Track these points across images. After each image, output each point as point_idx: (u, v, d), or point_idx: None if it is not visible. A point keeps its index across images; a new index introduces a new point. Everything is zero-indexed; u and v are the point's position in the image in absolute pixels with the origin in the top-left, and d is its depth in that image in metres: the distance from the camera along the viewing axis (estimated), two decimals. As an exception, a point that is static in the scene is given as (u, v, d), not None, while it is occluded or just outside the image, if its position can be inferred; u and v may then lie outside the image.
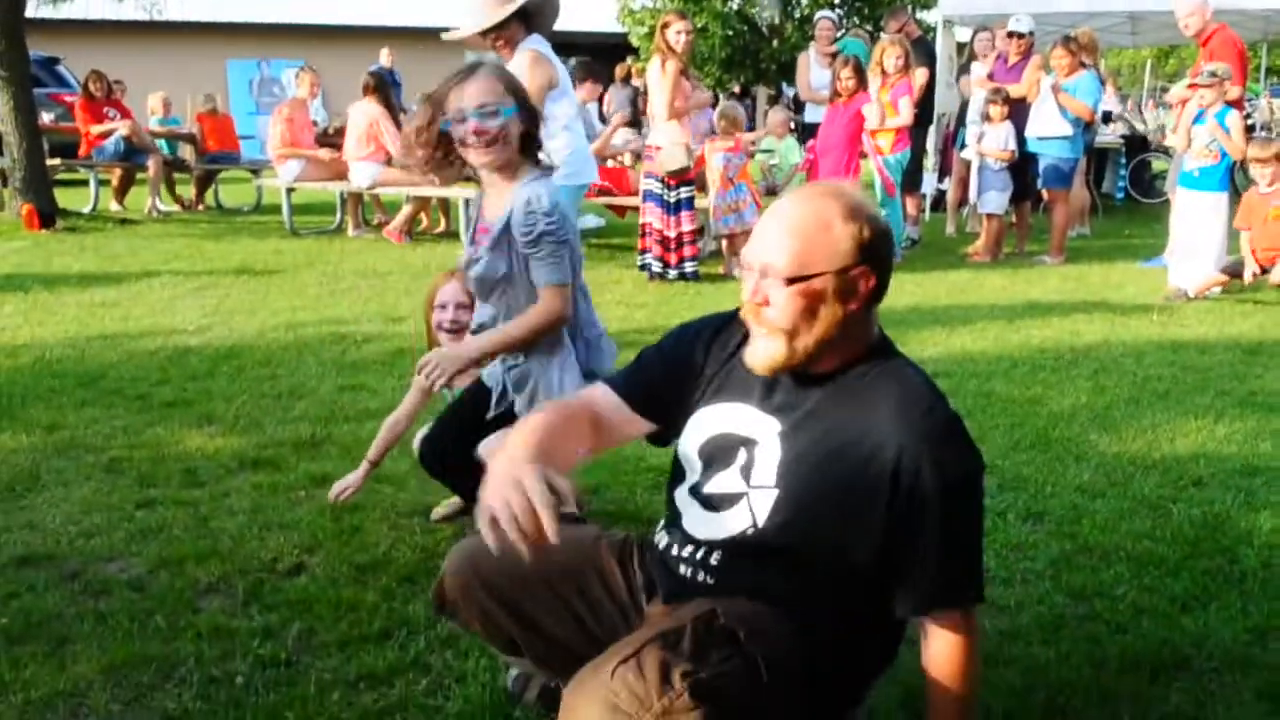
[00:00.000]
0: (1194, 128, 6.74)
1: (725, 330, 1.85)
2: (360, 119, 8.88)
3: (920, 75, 8.45)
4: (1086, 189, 9.70)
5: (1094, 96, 8.10)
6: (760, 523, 1.69)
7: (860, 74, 7.58)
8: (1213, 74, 6.70)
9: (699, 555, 1.75)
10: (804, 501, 1.66)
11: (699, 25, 15.96)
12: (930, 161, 10.20)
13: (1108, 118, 11.60)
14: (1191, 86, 6.97)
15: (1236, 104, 7.04)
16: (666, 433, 1.89)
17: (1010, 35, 8.51)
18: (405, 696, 2.22)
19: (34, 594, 2.67)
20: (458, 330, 2.98)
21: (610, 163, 8.74)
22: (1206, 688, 2.26)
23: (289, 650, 2.40)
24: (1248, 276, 6.25)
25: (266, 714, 2.16)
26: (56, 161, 10.41)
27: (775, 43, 17.95)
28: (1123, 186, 11.98)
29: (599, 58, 10.28)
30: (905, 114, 7.74)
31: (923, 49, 9.18)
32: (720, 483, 1.75)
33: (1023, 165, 8.16)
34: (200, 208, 11.53)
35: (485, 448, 2.80)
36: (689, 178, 7.04)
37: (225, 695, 2.23)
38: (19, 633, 2.48)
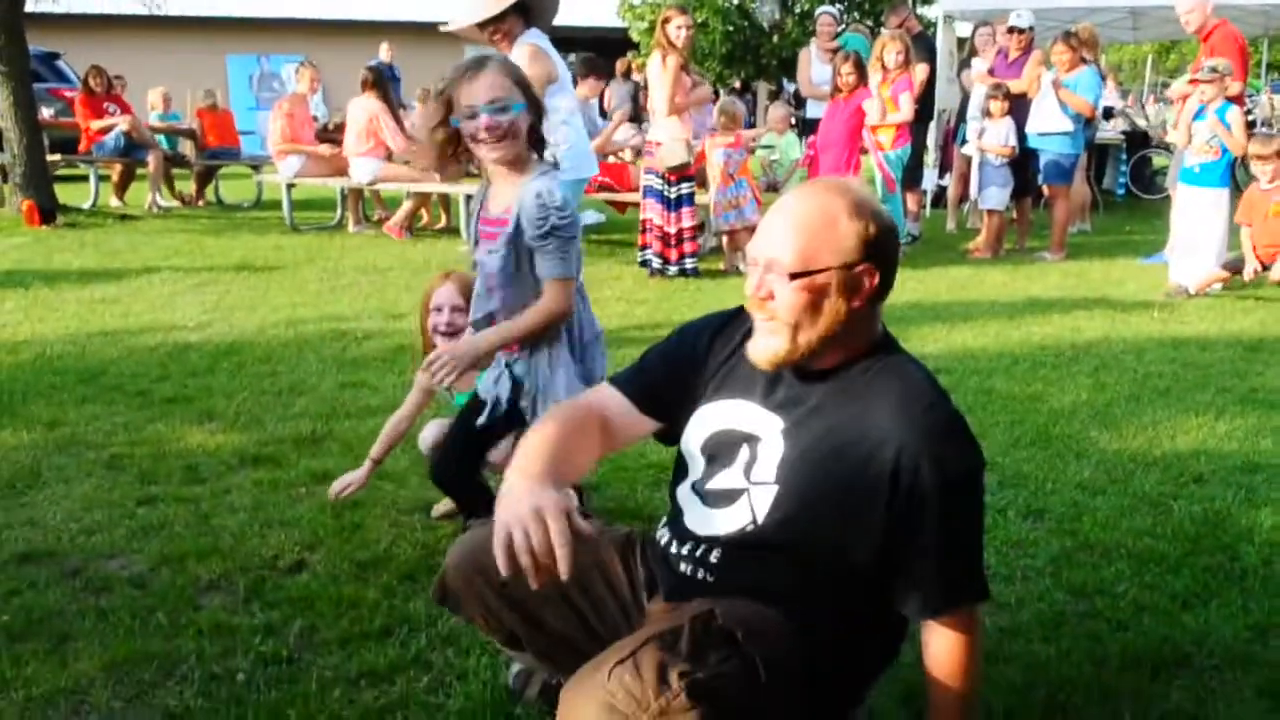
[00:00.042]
0: (1194, 123, 6.74)
1: (729, 327, 1.85)
2: (359, 114, 8.88)
3: (921, 71, 8.45)
4: (1087, 185, 9.69)
5: (1095, 92, 8.09)
6: (760, 520, 1.69)
7: (861, 69, 7.57)
8: (1213, 69, 6.69)
9: (699, 553, 1.75)
10: (804, 499, 1.66)
11: (699, 20, 15.96)
12: (931, 157, 10.19)
13: (1109, 113, 11.59)
14: (1192, 82, 6.97)
15: (1237, 99, 7.03)
16: (673, 431, 1.89)
17: (1011, 30, 8.49)
18: (406, 694, 2.22)
19: (35, 591, 2.67)
20: (454, 333, 2.99)
21: (611, 158, 8.73)
22: (1207, 685, 2.27)
23: (290, 647, 2.40)
24: (1248, 274, 6.25)
25: (268, 711, 2.16)
26: (57, 157, 10.41)
27: (776, 38, 17.93)
28: (1123, 182, 11.97)
29: (599, 53, 10.25)
30: (906, 109, 7.73)
31: (923, 44, 9.17)
32: (722, 480, 1.75)
33: (1023, 161, 8.16)
34: (200, 203, 11.53)
35: (497, 454, 2.82)
36: (689, 173, 7.04)
37: (226, 692, 2.23)
38: (20, 630, 2.48)
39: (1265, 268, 6.18)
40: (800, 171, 8.73)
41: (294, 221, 9.54)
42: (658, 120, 7.01)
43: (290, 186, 9.57)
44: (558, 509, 1.52)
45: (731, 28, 17.86)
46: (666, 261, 7.11)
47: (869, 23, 15.74)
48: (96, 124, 10.60)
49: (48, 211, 9.33)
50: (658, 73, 6.89)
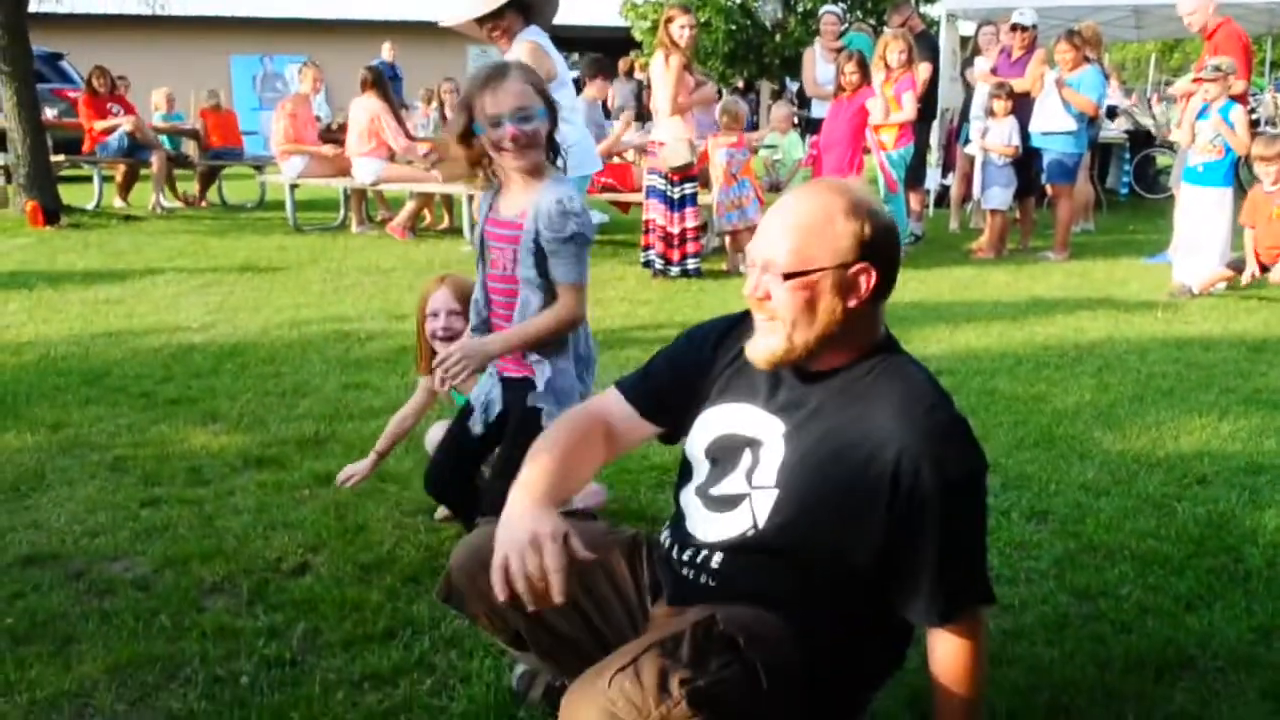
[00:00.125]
0: (1198, 122, 6.73)
1: (734, 330, 1.85)
2: (361, 115, 8.88)
3: (924, 70, 8.44)
4: (1091, 184, 9.68)
5: (1098, 91, 8.08)
6: (761, 524, 1.69)
7: (864, 69, 7.56)
8: (1217, 68, 6.68)
9: (700, 558, 1.75)
10: (804, 503, 1.66)
11: (702, 20, 15.94)
12: (934, 157, 10.18)
13: (1112, 112, 11.57)
14: (1196, 80, 6.96)
15: (1241, 98, 7.02)
16: (677, 434, 1.90)
17: (1014, 28, 8.48)
18: (410, 696, 2.22)
19: (39, 593, 2.68)
20: (451, 337, 2.99)
21: (615, 158, 8.73)
22: (1211, 687, 2.26)
23: (294, 650, 2.41)
24: (1245, 278, 6.25)
25: (271, 714, 2.17)
26: (60, 158, 10.42)
27: (778, 37, 17.92)
28: (1127, 182, 11.95)
29: (601, 52, 10.26)
30: (909, 109, 7.72)
31: (926, 43, 9.16)
32: (725, 484, 1.75)
33: (1027, 160, 8.14)
34: (204, 204, 11.54)
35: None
36: (693, 174, 7.03)
37: (230, 695, 2.23)
38: (24, 632, 2.48)
39: (1265, 269, 6.17)
40: (803, 171, 8.72)
41: (297, 222, 9.55)
42: (661, 120, 7.01)
43: (293, 187, 9.58)
44: (554, 534, 1.57)
45: (734, 27, 17.85)
46: (669, 262, 7.11)
47: (872, 22, 15.74)
48: (100, 124, 10.61)
49: (51, 212, 9.34)
50: (661, 72, 6.89)
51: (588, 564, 1.62)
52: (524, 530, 1.58)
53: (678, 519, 1.84)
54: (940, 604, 1.65)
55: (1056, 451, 3.71)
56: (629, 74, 13.42)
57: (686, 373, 1.87)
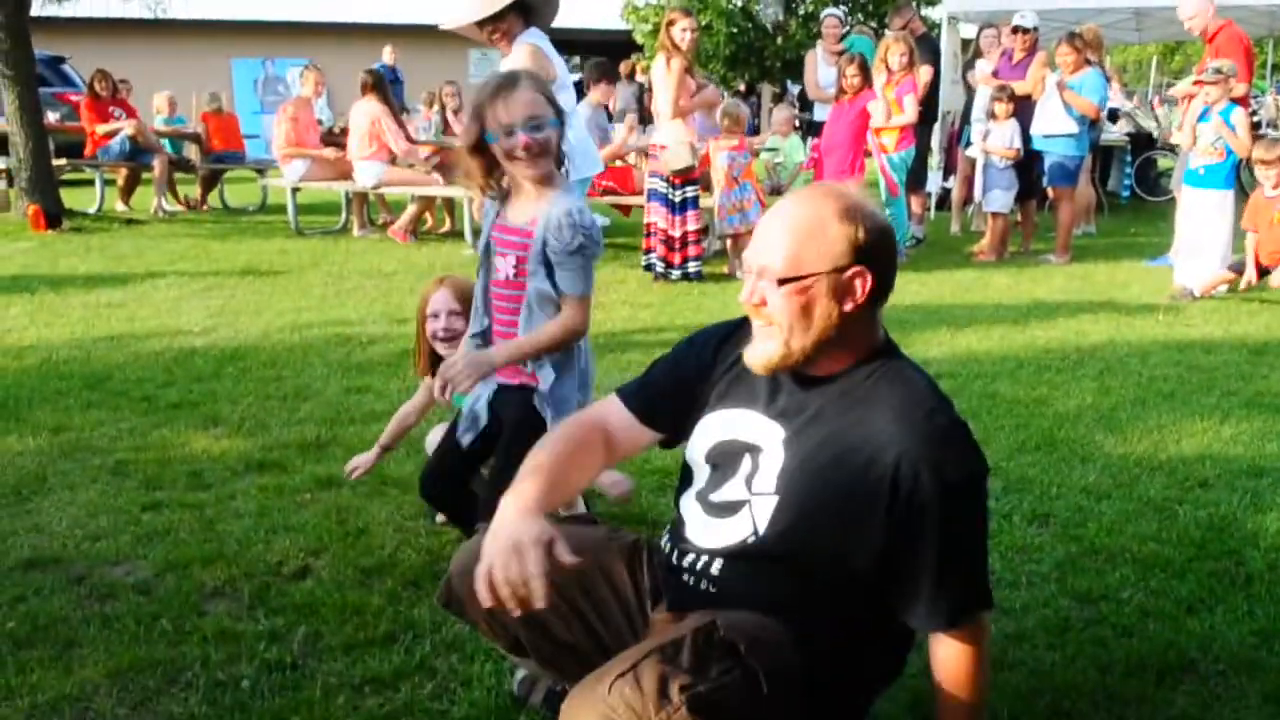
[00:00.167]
0: (1199, 125, 6.73)
1: (734, 336, 1.85)
2: (362, 119, 8.89)
3: (925, 72, 8.44)
4: (1092, 187, 9.68)
5: (1099, 93, 8.08)
6: (761, 531, 1.69)
7: (865, 71, 7.57)
8: (1218, 70, 6.68)
9: (700, 564, 1.75)
10: (803, 508, 1.66)
11: (704, 23, 15.94)
12: (935, 159, 10.18)
13: (1113, 115, 11.57)
14: (1197, 83, 6.96)
15: (1242, 101, 7.02)
16: (677, 440, 1.90)
17: (1015, 31, 8.48)
18: (410, 700, 2.22)
19: (40, 597, 2.68)
20: (452, 338, 2.99)
21: (616, 162, 8.73)
22: (1213, 691, 2.26)
23: (294, 654, 2.41)
24: (1243, 283, 6.25)
25: (272, 718, 2.17)
26: (62, 161, 10.43)
27: (780, 40, 17.91)
28: (1128, 184, 11.95)
29: (602, 55, 10.27)
30: (910, 111, 7.72)
31: (927, 46, 9.17)
32: (725, 490, 1.75)
33: (1028, 163, 8.15)
34: (205, 208, 11.55)
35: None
36: (694, 177, 7.03)
37: (231, 699, 2.23)
38: (25, 636, 2.48)
39: (1264, 274, 6.17)
40: (805, 174, 8.73)
41: (299, 226, 9.55)
42: (662, 123, 7.01)
43: (295, 190, 9.58)
44: (537, 540, 1.58)
45: (735, 30, 17.82)
46: (670, 265, 7.11)
47: (873, 24, 15.72)
48: (102, 128, 10.62)
49: (53, 216, 9.34)
50: (662, 75, 6.89)
51: (574, 569, 1.62)
52: (507, 537, 1.59)
53: (677, 525, 1.83)
54: (941, 609, 1.65)
55: (1058, 455, 3.70)
56: (630, 77, 13.44)
57: (686, 378, 1.87)
